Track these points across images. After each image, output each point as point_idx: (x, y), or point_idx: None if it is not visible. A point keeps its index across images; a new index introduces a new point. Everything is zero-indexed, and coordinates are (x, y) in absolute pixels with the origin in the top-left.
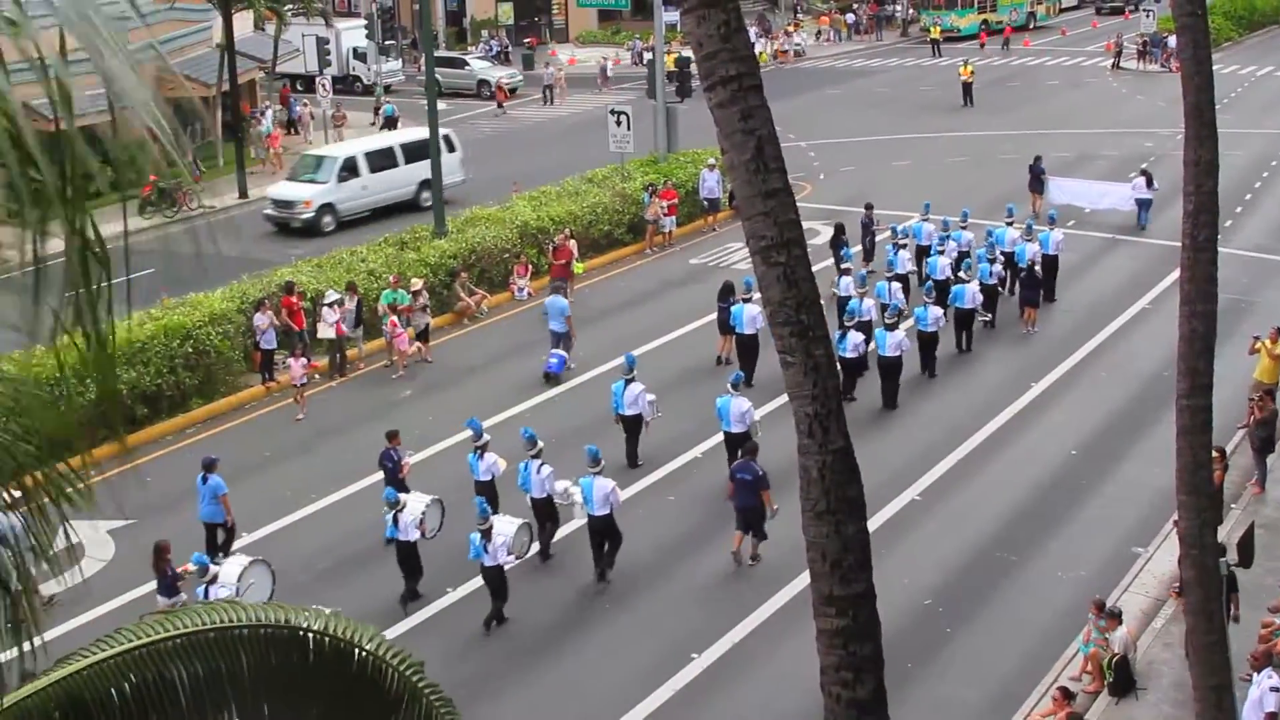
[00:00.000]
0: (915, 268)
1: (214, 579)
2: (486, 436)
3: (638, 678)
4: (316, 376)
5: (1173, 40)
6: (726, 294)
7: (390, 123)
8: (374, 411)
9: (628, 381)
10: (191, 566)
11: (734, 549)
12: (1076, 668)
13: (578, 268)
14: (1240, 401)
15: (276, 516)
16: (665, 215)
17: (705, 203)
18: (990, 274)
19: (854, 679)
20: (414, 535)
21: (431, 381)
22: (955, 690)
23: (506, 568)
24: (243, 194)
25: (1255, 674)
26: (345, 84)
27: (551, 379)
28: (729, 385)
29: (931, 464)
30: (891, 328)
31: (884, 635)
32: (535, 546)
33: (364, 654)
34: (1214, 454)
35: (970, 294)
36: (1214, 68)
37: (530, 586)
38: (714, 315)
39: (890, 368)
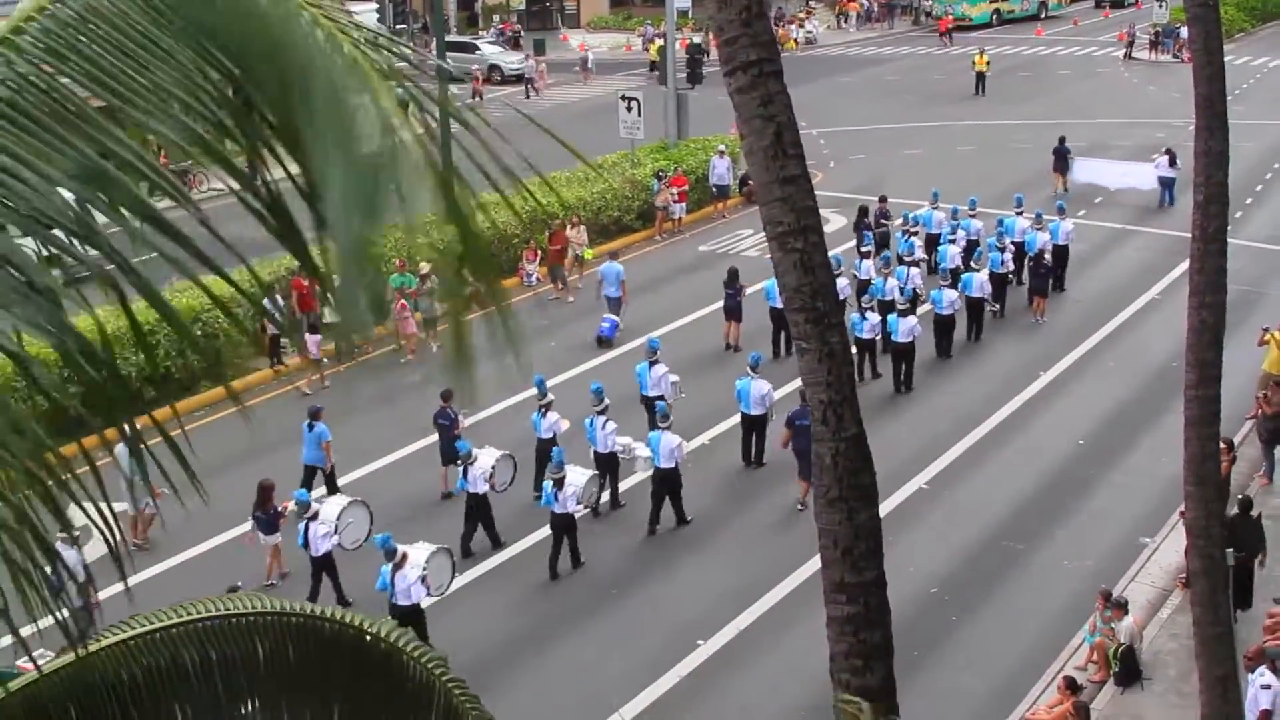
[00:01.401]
0: (926, 256)
1: (314, 515)
2: (550, 396)
3: (642, 664)
4: (325, 360)
5: (1185, 31)
6: (733, 280)
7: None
8: (381, 396)
9: (651, 364)
10: (293, 505)
11: (801, 497)
12: (1082, 657)
13: (586, 254)
14: (1249, 393)
15: (282, 500)
16: (675, 202)
17: (715, 189)
18: (1001, 263)
19: (864, 666)
20: (483, 488)
21: (440, 366)
22: (961, 679)
23: (576, 516)
24: None
25: (1249, 674)
26: None
27: (604, 343)
28: (748, 367)
29: (939, 452)
30: (905, 314)
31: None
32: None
33: (385, 647)
34: (1222, 445)
35: (978, 282)
36: (1226, 59)
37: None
38: (722, 301)
39: (902, 353)
